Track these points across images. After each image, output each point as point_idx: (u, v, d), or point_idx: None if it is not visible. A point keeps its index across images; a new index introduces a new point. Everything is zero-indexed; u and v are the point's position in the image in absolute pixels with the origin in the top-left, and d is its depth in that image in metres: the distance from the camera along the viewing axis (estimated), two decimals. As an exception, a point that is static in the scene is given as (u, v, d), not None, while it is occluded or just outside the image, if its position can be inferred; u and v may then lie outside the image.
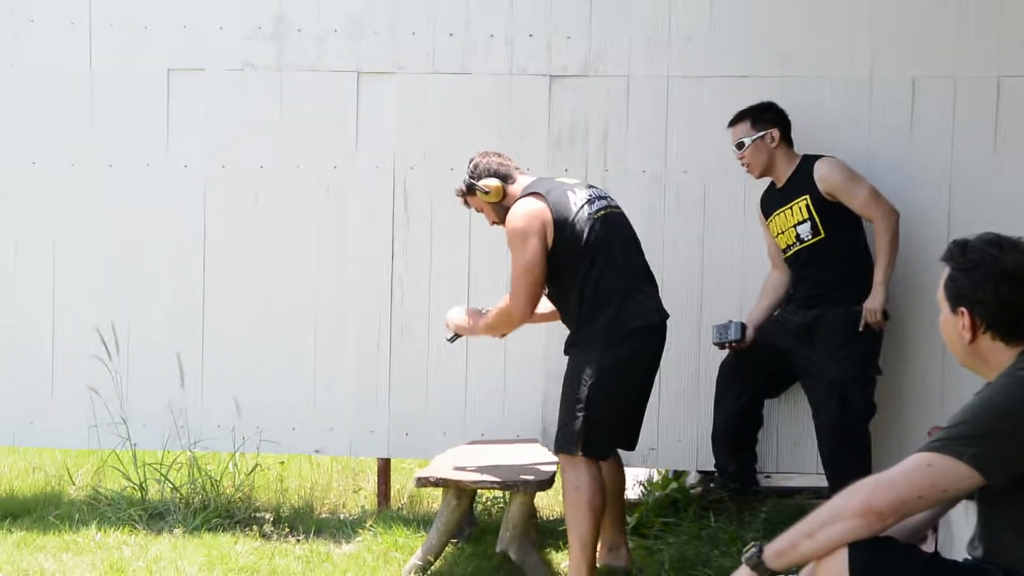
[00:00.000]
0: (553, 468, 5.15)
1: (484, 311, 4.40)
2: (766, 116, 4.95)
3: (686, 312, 5.46)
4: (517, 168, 4.39)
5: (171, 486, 5.83)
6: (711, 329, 5.19)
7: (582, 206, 4.15)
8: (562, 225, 4.11)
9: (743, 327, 5.09)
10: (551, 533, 5.44)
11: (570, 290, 4.20)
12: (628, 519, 5.42)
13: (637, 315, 4.13)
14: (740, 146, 4.97)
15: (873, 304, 4.64)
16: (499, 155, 4.39)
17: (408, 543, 5.10)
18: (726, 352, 5.19)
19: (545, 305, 4.50)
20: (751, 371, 5.11)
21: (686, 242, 5.60)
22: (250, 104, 5.83)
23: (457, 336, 4.57)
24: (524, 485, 4.80)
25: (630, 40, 5.69)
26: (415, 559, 4.85)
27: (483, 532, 5.38)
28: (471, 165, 4.34)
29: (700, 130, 5.58)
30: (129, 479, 5.92)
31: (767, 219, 5.15)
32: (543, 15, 5.71)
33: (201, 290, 5.85)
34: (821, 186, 4.81)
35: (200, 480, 5.81)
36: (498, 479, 4.98)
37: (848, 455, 4.69)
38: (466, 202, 4.43)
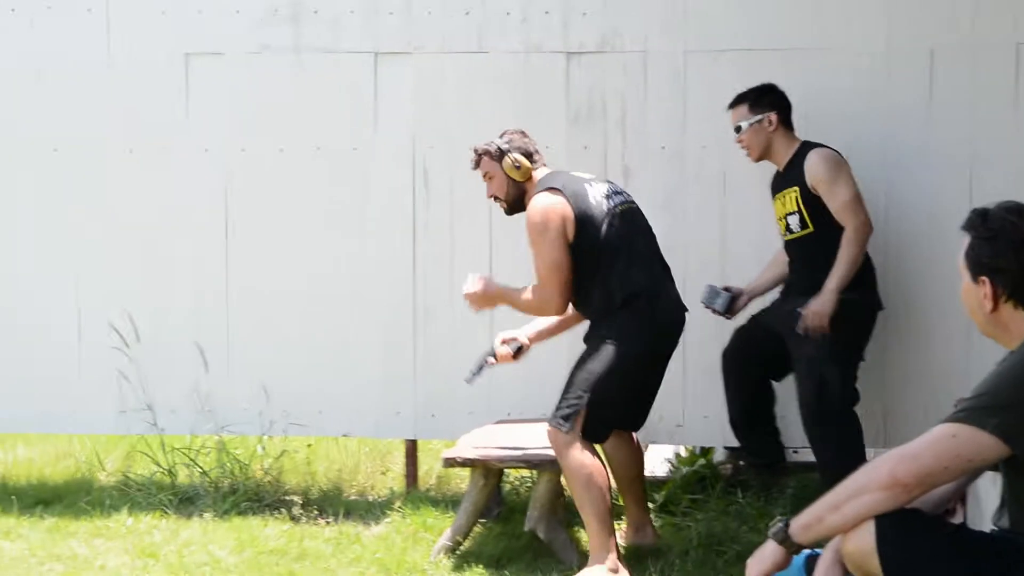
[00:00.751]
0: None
1: (506, 287, 4.40)
2: (764, 100, 4.94)
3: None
4: (536, 161, 4.42)
5: (200, 470, 5.93)
6: (704, 287, 5.16)
7: (601, 200, 4.20)
8: (583, 219, 4.15)
9: (732, 301, 5.10)
10: (577, 512, 5.39)
11: (592, 284, 4.24)
12: (656, 496, 5.56)
13: (665, 311, 4.23)
14: (738, 130, 4.97)
15: (820, 308, 4.57)
16: (528, 137, 4.42)
17: (437, 523, 5.15)
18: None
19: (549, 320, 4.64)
20: (751, 357, 5.13)
21: (706, 217, 5.65)
22: (268, 87, 5.85)
23: (479, 372, 4.65)
24: (551, 464, 4.79)
25: (646, 16, 5.71)
26: (444, 539, 4.91)
27: (511, 511, 5.45)
28: (506, 136, 4.37)
29: (718, 105, 5.46)
30: (158, 464, 6.02)
31: (773, 200, 5.19)
32: None
33: (224, 276, 5.91)
34: (808, 179, 4.79)
35: (229, 464, 5.91)
36: (525, 458, 5.02)
37: (829, 435, 4.71)
38: (478, 164, 4.43)
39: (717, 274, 5.52)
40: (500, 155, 4.33)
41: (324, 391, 5.79)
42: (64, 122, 6.17)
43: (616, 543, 4.24)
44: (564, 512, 5.28)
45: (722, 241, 5.67)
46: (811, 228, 4.81)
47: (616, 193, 4.35)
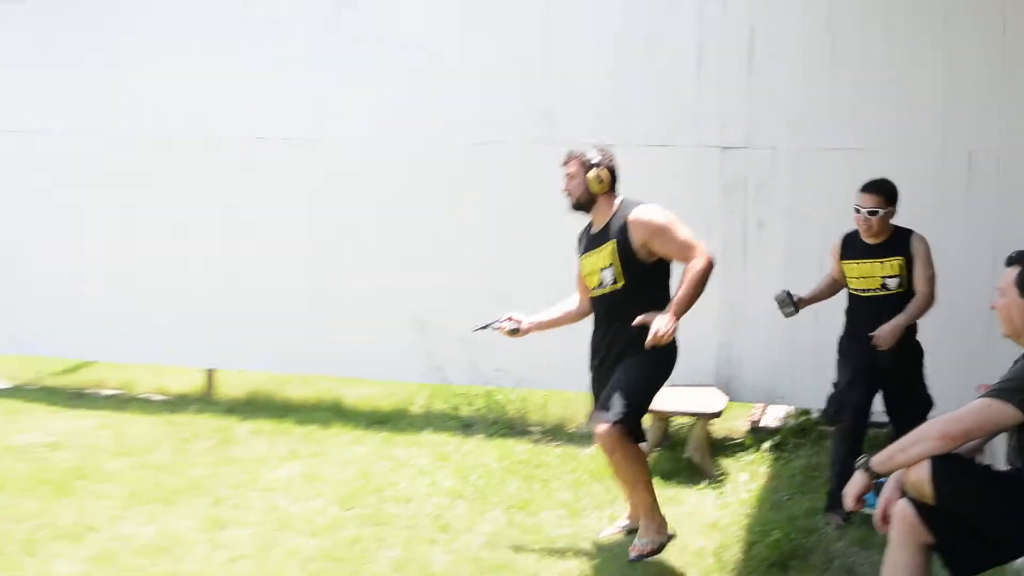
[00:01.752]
0: (722, 404, 6.58)
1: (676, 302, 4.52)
2: (894, 195, 5.39)
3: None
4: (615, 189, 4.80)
5: (475, 408, 7.68)
6: (781, 292, 5.70)
7: None
8: None
9: (795, 306, 5.69)
10: (717, 446, 6.88)
11: (653, 298, 4.60)
12: (773, 439, 6.85)
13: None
14: (873, 213, 5.33)
15: (892, 330, 5.24)
16: (615, 162, 4.78)
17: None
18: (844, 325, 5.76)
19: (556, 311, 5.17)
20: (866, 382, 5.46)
21: (809, 255, 6.71)
22: (532, 169, 6.94)
23: (483, 328, 5.12)
24: (702, 415, 6.33)
25: (775, 123, 6.97)
26: None
27: (674, 444, 6.78)
28: (601, 153, 4.72)
29: (824, 186, 6.75)
30: (449, 403, 7.89)
31: (851, 260, 5.60)
32: (718, 105, 7.06)
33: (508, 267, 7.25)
34: (914, 255, 5.38)
35: (493, 405, 7.66)
36: (686, 410, 6.44)
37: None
38: (567, 162, 4.77)
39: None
40: (590, 166, 4.65)
41: (555, 355, 6.48)
42: (379, 198, 7.75)
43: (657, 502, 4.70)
44: (709, 445, 6.46)
45: (819, 270, 6.29)
46: (904, 289, 5.40)
47: None
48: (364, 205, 7.93)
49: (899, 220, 5.52)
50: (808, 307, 5.98)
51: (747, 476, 6.28)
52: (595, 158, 4.68)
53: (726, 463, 6.61)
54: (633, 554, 4.62)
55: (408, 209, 7.83)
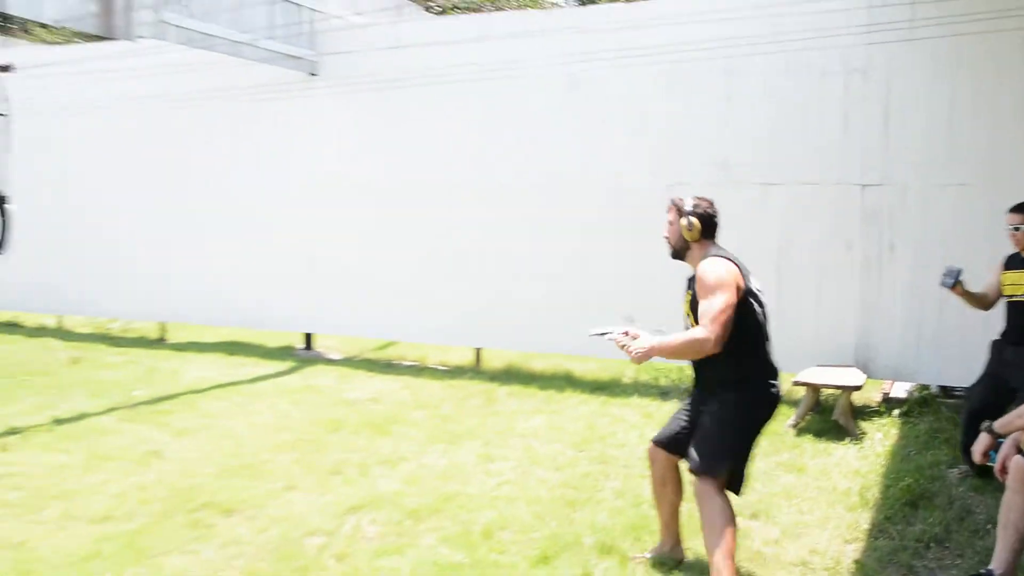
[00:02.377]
0: (861, 379, 6.79)
1: (665, 336, 3.88)
2: None
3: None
4: (713, 238, 4.01)
5: (671, 379, 8.02)
6: (947, 268, 5.44)
7: (758, 288, 3.91)
8: (747, 292, 3.84)
9: (957, 278, 5.38)
10: (858, 412, 6.95)
11: (727, 353, 3.78)
12: (901, 408, 6.92)
13: (770, 395, 3.93)
14: (1017, 228, 5.25)
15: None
16: (716, 218, 4.00)
17: (789, 413, 6.47)
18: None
19: None
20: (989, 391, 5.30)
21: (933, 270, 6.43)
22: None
23: (600, 335, 4.06)
24: (846, 388, 6.58)
25: (904, 165, 7.18)
26: (790, 421, 6.60)
27: (824, 410, 6.92)
28: (695, 201, 3.96)
29: (941, 215, 7.03)
30: (651, 375, 8.18)
31: (1005, 270, 5.41)
32: (860, 151, 7.32)
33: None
34: None
35: (684, 377, 7.72)
36: (833, 383, 6.70)
37: None
38: (668, 210, 4.05)
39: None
40: (683, 213, 3.94)
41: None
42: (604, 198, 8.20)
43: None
44: (852, 412, 6.59)
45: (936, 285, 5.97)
46: None
47: (761, 291, 3.97)
48: (581, 229, 8.41)
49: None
50: (934, 303, 6.60)
51: (881, 435, 6.42)
52: (688, 206, 3.95)
53: (864, 425, 6.72)
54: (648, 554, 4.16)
55: (619, 232, 8.21)
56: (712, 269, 3.79)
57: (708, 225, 3.94)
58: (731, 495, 3.82)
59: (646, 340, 3.82)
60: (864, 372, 7.20)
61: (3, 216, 6.47)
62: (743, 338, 3.79)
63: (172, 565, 4.17)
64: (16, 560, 4.16)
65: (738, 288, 3.77)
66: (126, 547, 4.35)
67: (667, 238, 4.06)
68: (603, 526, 4.62)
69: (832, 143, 7.43)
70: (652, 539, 4.42)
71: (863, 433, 6.51)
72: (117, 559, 4.20)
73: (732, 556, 3.65)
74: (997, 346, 5.44)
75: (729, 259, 3.84)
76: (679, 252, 4.03)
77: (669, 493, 4.14)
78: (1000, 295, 5.43)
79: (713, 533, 3.69)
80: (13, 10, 6.49)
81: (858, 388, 6.70)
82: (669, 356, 3.90)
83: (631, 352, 3.83)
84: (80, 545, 4.38)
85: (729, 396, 3.83)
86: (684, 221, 3.91)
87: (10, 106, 6.58)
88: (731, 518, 3.72)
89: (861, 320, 7.45)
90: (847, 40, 7.21)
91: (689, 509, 4.12)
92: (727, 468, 3.81)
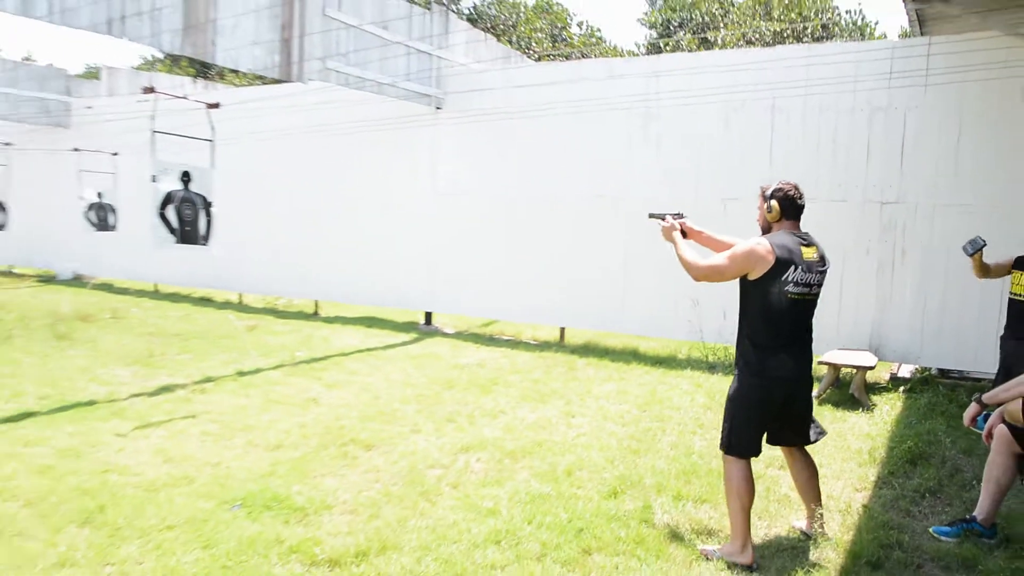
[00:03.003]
0: (874, 361, 6.62)
1: (687, 244, 3.68)
2: None
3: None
4: (796, 218, 3.57)
5: (718, 356, 7.91)
6: (980, 238, 5.08)
7: (798, 275, 3.40)
8: (774, 272, 3.39)
9: (979, 248, 5.06)
10: (870, 387, 6.87)
11: (746, 321, 3.53)
12: (905, 386, 6.77)
13: (776, 368, 3.45)
14: None
15: None
16: (800, 200, 3.57)
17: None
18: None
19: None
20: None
21: (936, 275, 7.00)
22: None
23: (658, 216, 3.88)
24: (861, 367, 6.50)
25: (916, 187, 7.14)
26: (816, 391, 6.41)
27: (842, 385, 6.83)
28: (778, 185, 3.56)
29: (947, 230, 6.93)
30: (702, 353, 8.15)
31: (1014, 269, 5.16)
32: (880, 175, 7.28)
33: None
34: None
35: (730, 355, 7.61)
36: (850, 363, 6.58)
37: None
38: (759, 196, 3.65)
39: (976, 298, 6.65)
40: (765, 197, 3.57)
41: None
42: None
43: (749, 532, 3.47)
44: (865, 386, 6.50)
45: (944, 284, 6.85)
46: None
47: (806, 284, 3.44)
48: (647, 234, 8.18)
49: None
50: (937, 300, 6.62)
51: (888, 407, 6.31)
52: (770, 190, 3.56)
53: (875, 398, 6.63)
54: (705, 552, 3.57)
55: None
56: (753, 240, 3.45)
57: (786, 207, 3.53)
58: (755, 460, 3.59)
59: (678, 234, 3.70)
60: (877, 355, 7.13)
61: (208, 217, 6.83)
62: (754, 320, 3.46)
63: (327, 484, 4.33)
64: (214, 475, 4.42)
65: (754, 268, 3.38)
66: (293, 469, 4.54)
67: (757, 220, 3.66)
68: (660, 470, 4.63)
69: (858, 168, 7.36)
70: (700, 483, 4.40)
71: (874, 405, 6.39)
72: (287, 477, 4.40)
73: (744, 511, 3.43)
74: (1002, 341, 5.25)
75: (781, 243, 3.41)
76: (765, 232, 3.60)
77: (794, 474, 3.80)
78: (1000, 277, 5.29)
79: (730, 492, 3.50)
80: (220, 61, 6.81)
81: (871, 368, 6.58)
82: (676, 247, 3.65)
83: (663, 227, 3.75)
84: (259, 466, 4.59)
85: (739, 376, 3.52)
86: (766, 204, 3.55)
87: (215, 134, 6.93)
88: (744, 479, 3.44)
89: (876, 313, 7.37)
90: (872, 84, 7.16)
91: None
92: (737, 441, 3.48)
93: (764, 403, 3.47)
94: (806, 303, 3.45)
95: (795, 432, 3.63)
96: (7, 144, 12.54)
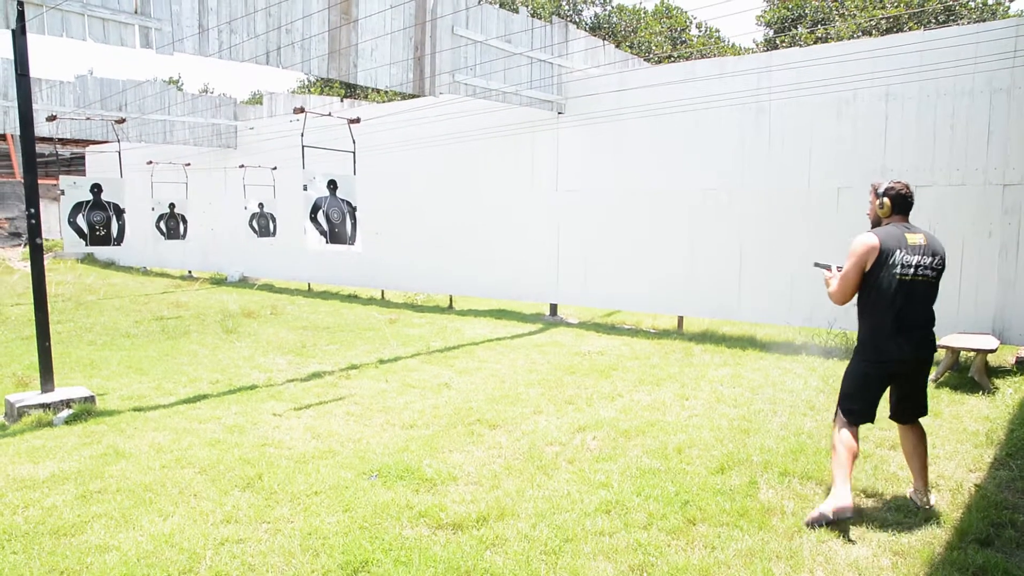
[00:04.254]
0: (996, 344, 6.28)
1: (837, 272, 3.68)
2: None
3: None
4: (905, 213, 3.62)
5: (832, 343, 7.63)
6: None
7: (901, 261, 3.45)
8: (880, 262, 3.48)
9: None
10: (993, 371, 6.59)
11: (864, 308, 3.59)
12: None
13: (887, 350, 3.52)
14: None
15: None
16: (910, 197, 3.60)
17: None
18: None
19: None
20: None
21: (978, 249, 6.70)
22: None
23: (824, 267, 3.88)
24: (981, 351, 6.26)
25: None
26: (935, 375, 6.23)
27: (962, 369, 6.58)
28: (889, 183, 3.61)
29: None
30: (816, 339, 7.87)
31: None
32: (1000, 157, 6.81)
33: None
34: None
35: (844, 341, 7.36)
36: (971, 347, 6.34)
37: None
38: (871, 193, 3.70)
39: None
40: (876, 194, 3.62)
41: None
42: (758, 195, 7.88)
43: (849, 488, 3.45)
44: (985, 370, 6.20)
45: (996, 271, 6.27)
46: None
47: (918, 267, 3.48)
48: (769, 223, 8.21)
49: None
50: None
51: (1012, 391, 6.04)
52: (881, 187, 3.61)
53: (997, 382, 6.35)
54: (812, 519, 3.50)
55: (795, 225, 7.97)
56: (856, 240, 3.54)
57: (897, 203, 3.58)
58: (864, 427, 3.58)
59: (834, 280, 3.70)
60: (999, 339, 6.79)
61: (354, 220, 7.21)
62: (867, 306, 3.56)
63: (455, 459, 4.47)
64: (356, 449, 4.64)
65: (867, 260, 3.49)
66: (425, 445, 4.70)
67: (868, 214, 3.75)
68: (768, 449, 4.58)
69: (978, 151, 6.95)
70: (807, 460, 4.33)
71: (996, 388, 6.08)
72: (419, 452, 4.57)
73: (843, 467, 3.47)
74: None
75: (887, 232, 3.50)
76: (875, 225, 3.67)
77: (903, 444, 3.83)
78: None
79: (833, 451, 3.57)
80: (361, 81, 7.14)
81: (992, 351, 6.22)
82: (829, 283, 3.74)
83: (826, 277, 3.78)
84: (396, 442, 4.77)
85: (855, 354, 3.67)
86: (878, 201, 3.61)
87: (356, 145, 7.32)
88: (847, 443, 3.52)
89: (999, 296, 6.94)
90: (993, 64, 6.72)
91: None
92: (846, 408, 3.60)
93: (875, 379, 3.55)
94: (917, 285, 3.45)
95: (910, 411, 3.70)
96: (187, 164, 13.52)
